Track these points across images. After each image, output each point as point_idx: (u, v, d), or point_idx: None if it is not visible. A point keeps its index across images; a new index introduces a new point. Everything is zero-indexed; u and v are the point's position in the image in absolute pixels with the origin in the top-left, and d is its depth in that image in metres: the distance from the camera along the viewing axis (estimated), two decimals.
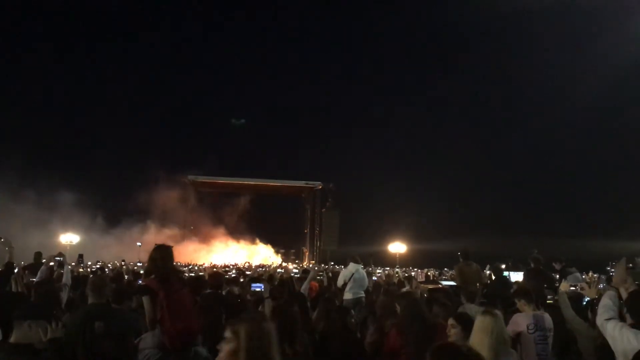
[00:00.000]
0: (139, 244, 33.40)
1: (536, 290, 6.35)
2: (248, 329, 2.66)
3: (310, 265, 31.35)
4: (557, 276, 9.38)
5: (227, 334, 2.67)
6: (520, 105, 43.58)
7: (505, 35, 43.43)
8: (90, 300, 4.98)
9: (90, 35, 47.34)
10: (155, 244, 5.18)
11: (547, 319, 5.24)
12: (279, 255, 45.28)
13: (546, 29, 41.58)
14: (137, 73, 51.28)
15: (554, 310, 5.62)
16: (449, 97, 48.57)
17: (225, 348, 2.63)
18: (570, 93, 37.89)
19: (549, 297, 6.50)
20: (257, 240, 45.82)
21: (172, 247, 5.18)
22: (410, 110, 48.94)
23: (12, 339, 3.43)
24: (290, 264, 34.31)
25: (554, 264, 9.61)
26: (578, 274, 9.57)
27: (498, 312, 4.06)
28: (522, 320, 5.16)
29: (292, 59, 57.26)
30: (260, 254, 44.35)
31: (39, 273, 7.93)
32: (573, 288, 6.39)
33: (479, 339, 3.74)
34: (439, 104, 48.68)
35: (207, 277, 8.60)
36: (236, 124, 43.12)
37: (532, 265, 9.21)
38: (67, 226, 31.69)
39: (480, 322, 3.85)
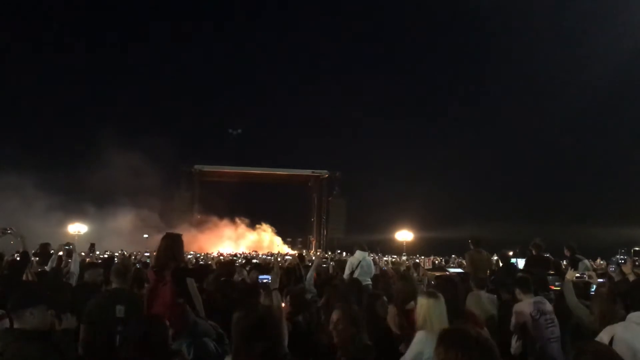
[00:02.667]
0: (145, 235, 33.56)
1: (538, 276, 6.33)
2: None
3: (313, 254, 31.41)
4: (565, 263, 9.32)
5: None
6: (526, 92, 43.24)
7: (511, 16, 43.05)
8: (114, 285, 5.06)
9: (95, 22, 47.22)
10: (166, 233, 5.17)
11: (547, 303, 5.24)
12: (286, 244, 45.38)
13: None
14: (142, 62, 51.23)
15: (561, 296, 5.62)
16: (454, 86, 48.28)
17: None
18: (581, 77, 37.49)
19: (556, 283, 6.48)
20: (264, 229, 45.90)
21: (181, 235, 5.15)
22: (417, 98, 48.75)
23: (16, 326, 3.43)
24: (296, 252, 34.39)
25: (565, 251, 9.51)
26: (587, 261, 9.49)
27: (440, 295, 4.39)
28: (524, 308, 5.14)
29: (298, 49, 57.02)
30: (267, 242, 44.43)
31: (49, 262, 7.95)
32: (578, 275, 6.34)
33: (436, 316, 4.20)
34: (445, 92, 48.42)
35: (214, 266, 8.65)
36: (233, 133, 43.06)
37: (534, 252, 9.19)
38: (75, 216, 31.83)
39: (432, 302, 4.26)
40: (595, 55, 36.45)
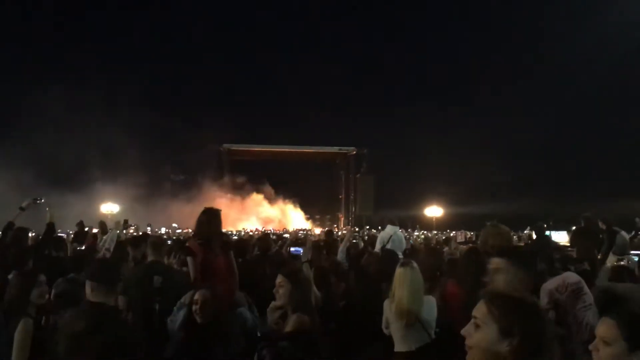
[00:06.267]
0: (175, 225, 34.11)
1: (585, 249, 6.14)
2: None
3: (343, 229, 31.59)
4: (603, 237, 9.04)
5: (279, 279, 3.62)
6: (559, 64, 42.10)
7: None
8: (150, 258, 5.19)
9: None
10: (204, 207, 5.27)
11: (570, 275, 5.14)
12: (310, 221, 45.63)
13: None
14: (170, 42, 51.42)
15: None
16: (487, 59, 47.26)
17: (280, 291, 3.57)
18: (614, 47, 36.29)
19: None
20: (292, 206, 46.27)
21: (220, 210, 5.25)
22: (445, 70, 48.03)
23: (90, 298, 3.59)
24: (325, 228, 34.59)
25: (600, 224, 9.21)
26: (624, 233, 9.24)
27: (414, 264, 4.55)
28: (549, 286, 5.04)
29: (322, 23, 56.53)
30: (296, 220, 44.76)
31: (109, 240, 7.96)
32: (623, 263, 6.12)
33: (398, 287, 4.38)
34: (476, 66, 47.48)
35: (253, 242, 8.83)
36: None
37: (583, 224, 8.86)
38: (107, 195, 32.43)
39: (399, 273, 4.44)
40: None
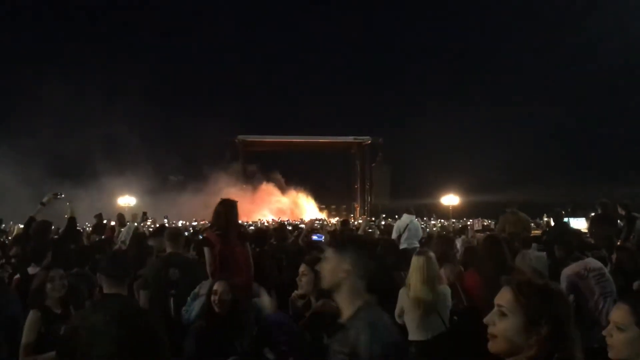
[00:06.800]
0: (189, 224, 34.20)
1: (604, 236, 6.05)
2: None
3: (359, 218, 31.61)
4: (622, 223, 8.91)
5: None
6: (573, 53, 41.43)
7: None
8: (167, 250, 5.24)
9: None
10: (221, 199, 5.32)
11: (592, 261, 5.09)
12: (324, 212, 45.61)
13: None
14: (187, 38, 51.65)
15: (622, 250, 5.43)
16: (503, 47, 46.70)
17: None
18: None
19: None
20: (307, 197, 46.29)
21: (237, 201, 5.30)
22: (460, 59, 47.54)
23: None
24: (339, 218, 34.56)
25: (619, 209, 9.03)
26: None
27: (431, 253, 4.54)
28: (570, 271, 5.00)
29: (336, 13, 56.28)
30: (311, 210, 44.78)
31: (125, 233, 8.09)
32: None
33: (414, 276, 4.38)
34: (491, 54, 46.96)
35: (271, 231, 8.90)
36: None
37: (600, 210, 8.66)
38: (124, 188, 32.69)
39: (415, 261, 4.42)
40: None
